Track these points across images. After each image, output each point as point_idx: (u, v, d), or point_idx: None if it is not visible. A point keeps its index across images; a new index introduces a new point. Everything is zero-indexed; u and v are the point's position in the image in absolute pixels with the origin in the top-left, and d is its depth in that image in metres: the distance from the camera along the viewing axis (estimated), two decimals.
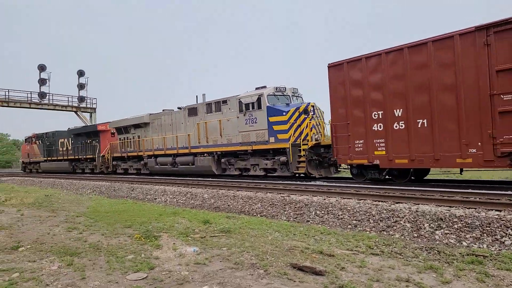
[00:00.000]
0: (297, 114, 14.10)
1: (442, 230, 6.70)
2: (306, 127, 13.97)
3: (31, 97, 35.40)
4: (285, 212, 9.47)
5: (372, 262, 5.10)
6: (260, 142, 14.94)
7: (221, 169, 17.09)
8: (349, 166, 12.46)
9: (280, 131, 14.21)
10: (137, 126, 22.47)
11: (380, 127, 10.87)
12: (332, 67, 12.08)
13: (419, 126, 10.01)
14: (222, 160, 16.82)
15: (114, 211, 10.08)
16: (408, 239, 6.68)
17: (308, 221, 8.61)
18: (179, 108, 19.63)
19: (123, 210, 10.32)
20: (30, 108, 35.99)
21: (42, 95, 35.68)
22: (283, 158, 14.13)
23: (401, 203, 8.36)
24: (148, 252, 5.77)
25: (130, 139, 23.06)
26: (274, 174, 14.98)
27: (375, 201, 8.82)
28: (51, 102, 36.55)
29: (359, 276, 4.52)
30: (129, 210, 10.21)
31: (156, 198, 13.65)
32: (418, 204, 8.12)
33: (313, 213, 8.94)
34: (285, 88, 15.31)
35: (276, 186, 12.32)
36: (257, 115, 15.02)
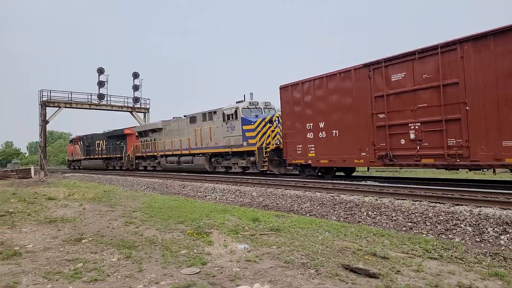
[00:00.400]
0: (263, 123, 17.33)
1: (508, 235, 6.22)
2: (270, 134, 17.21)
3: (91, 99, 37.65)
4: (335, 212, 9.29)
5: (430, 267, 4.85)
6: (237, 146, 18.34)
7: (213, 167, 20.73)
8: (296, 165, 15.74)
9: (250, 137, 17.49)
10: (153, 130, 26.63)
11: (311, 136, 14.46)
12: (281, 88, 15.66)
13: (333, 135, 13.60)
14: (212, 159, 20.54)
15: (167, 207, 10.45)
16: (469, 243, 6.28)
17: (360, 221, 8.39)
18: (184, 116, 23.26)
19: (175, 206, 10.67)
20: (90, 108, 38.28)
21: (100, 96, 37.80)
22: (252, 159, 17.50)
23: (461, 205, 7.89)
24: (200, 248, 5.92)
25: (148, 141, 27.16)
26: (248, 171, 18.51)
27: (432, 202, 8.40)
28: (108, 103, 38.66)
29: (416, 281, 4.33)
30: (181, 207, 10.54)
31: (206, 196, 13.97)
32: (480, 206, 7.62)
33: (365, 213, 8.69)
34: (258, 102, 18.89)
35: (324, 186, 12.14)
36: (235, 124, 18.50)
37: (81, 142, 38.83)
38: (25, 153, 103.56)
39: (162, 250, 5.81)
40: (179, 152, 23.14)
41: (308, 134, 14.50)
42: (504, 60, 9.14)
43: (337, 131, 13.40)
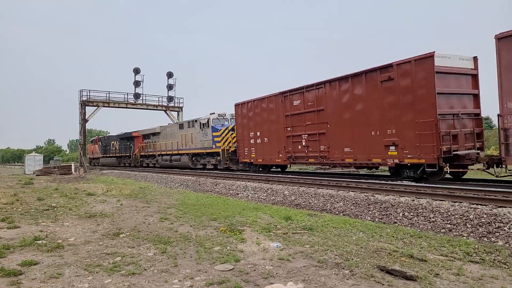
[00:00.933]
0: (226, 131, 22.46)
1: None
2: (231, 140, 22.17)
3: (127, 98, 38.82)
4: (370, 212, 9.10)
5: (471, 270, 4.66)
6: (209, 148, 23.57)
7: (194, 164, 25.98)
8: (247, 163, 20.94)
9: (217, 141, 22.71)
10: (154, 134, 32.14)
11: (253, 141, 19.88)
12: (236, 105, 21.16)
13: (265, 141, 18.98)
14: (193, 158, 26.00)
15: (200, 204, 10.61)
16: None
17: (395, 222, 8.17)
18: (176, 122, 29.92)
19: (208, 203, 10.82)
20: (126, 108, 39.51)
21: (136, 95, 38.91)
22: (219, 158, 22.75)
23: (505, 207, 7.51)
24: (233, 245, 5.97)
25: (150, 143, 32.84)
26: (218, 167, 23.23)
27: (473, 204, 8.05)
28: (144, 102, 39.72)
29: (456, 285, 4.17)
30: (214, 204, 10.67)
31: (238, 193, 14.07)
32: None
33: (401, 214, 8.46)
34: (225, 114, 23.97)
35: (358, 185, 11.91)
36: (207, 131, 23.67)
37: (100, 143, 45.05)
38: (66, 151, 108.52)
39: (196, 246, 5.91)
40: (171, 152, 28.61)
41: (251, 140, 19.98)
42: (344, 96, 14.43)
43: (267, 139, 18.88)
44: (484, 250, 5.56)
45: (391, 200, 9.36)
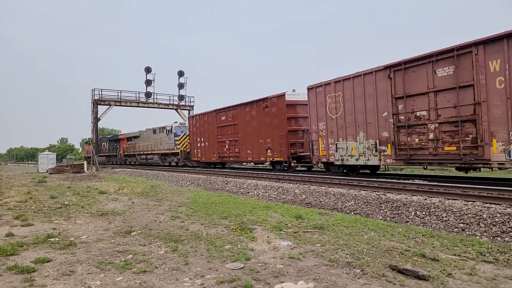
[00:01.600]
0: (184, 136, 30.13)
1: None
2: (187, 143, 29.64)
3: (138, 97, 39.12)
4: (381, 211, 9.03)
5: (485, 270, 4.59)
6: (172, 149, 31.09)
7: (163, 162, 33.22)
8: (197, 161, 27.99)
9: (177, 144, 30.31)
10: (135, 137, 39.24)
11: (199, 145, 26.94)
12: (189, 117, 30.03)
13: (206, 145, 25.91)
14: (162, 157, 33.42)
15: (211, 203, 10.66)
16: None
17: (407, 221, 8.09)
18: (151, 128, 35.53)
19: (219, 202, 10.86)
20: (138, 106, 39.82)
21: (148, 94, 39.19)
22: (178, 157, 30.27)
23: None
24: (244, 244, 5.98)
25: (131, 144, 39.74)
26: (178, 164, 30.49)
27: (487, 203, 7.93)
28: (155, 101, 39.98)
29: (469, 285, 4.11)
30: (225, 203, 10.70)
31: (249, 192, 14.09)
32: None
33: (413, 213, 8.37)
34: (185, 123, 31.59)
35: (370, 184, 11.83)
36: (171, 136, 31.05)
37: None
38: (78, 149, 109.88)
39: (206, 244, 5.94)
40: (147, 152, 35.83)
41: (198, 144, 27.39)
42: (247, 116, 21.32)
43: (207, 143, 25.94)
44: (498, 249, 5.47)
45: (403, 199, 9.27)
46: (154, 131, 34.32)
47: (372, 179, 13.07)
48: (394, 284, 4.16)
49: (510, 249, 5.49)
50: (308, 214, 8.54)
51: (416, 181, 12.02)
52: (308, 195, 11.75)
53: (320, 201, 10.95)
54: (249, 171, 21.36)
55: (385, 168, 14.85)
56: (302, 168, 20.07)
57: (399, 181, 12.34)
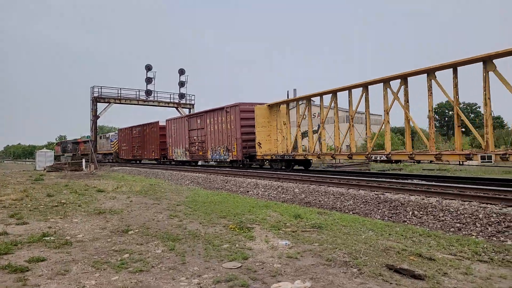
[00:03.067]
0: (116, 141, 42.25)
1: None
2: (117, 146, 42.19)
3: (139, 95, 39.11)
4: (379, 211, 9.06)
5: (480, 270, 4.61)
6: (110, 150, 43.41)
7: (104, 159, 44.72)
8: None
9: (112, 147, 42.73)
10: (89, 141, 43.47)
11: (124, 147, 40.37)
12: (119, 130, 43.72)
13: (126, 148, 39.98)
14: (103, 156, 45.05)
15: (210, 202, 10.67)
16: None
17: (405, 221, 8.12)
18: (98, 135, 44.95)
19: (218, 201, 10.86)
20: (138, 104, 39.81)
21: (148, 92, 39.20)
22: (114, 155, 42.74)
23: None
24: (242, 243, 6.00)
25: (86, 146, 47.29)
26: (114, 161, 42.05)
27: (483, 203, 7.96)
28: (155, 99, 39.99)
29: (464, 284, 4.14)
30: (224, 202, 10.71)
31: (248, 191, 14.10)
32: None
33: (410, 213, 8.40)
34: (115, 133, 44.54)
35: (369, 183, 11.85)
36: (109, 141, 43.44)
37: (61, 145, 65.79)
38: None
39: (204, 243, 5.96)
40: (102, 152, 45.61)
41: (123, 147, 39.61)
42: (129, 136, 38.58)
43: (132, 146, 37.68)
44: (493, 249, 5.50)
45: (401, 198, 9.29)
46: (100, 137, 46.22)
47: (372, 179, 13.09)
48: (391, 283, 4.18)
49: (505, 249, 5.52)
50: (307, 213, 8.56)
51: (415, 181, 12.05)
52: (307, 195, 11.77)
53: (319, 201, 10.97)
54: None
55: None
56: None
57: (398, 180, 12.37)
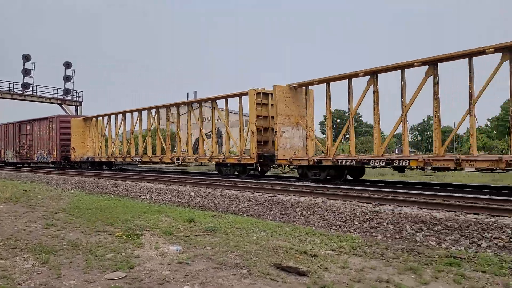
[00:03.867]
0: None
1: (423, 232, 6.74)
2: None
3: (13, 88, 34.46)
4: (272, 212, 9.41)
5: (355, 263, 5.07)
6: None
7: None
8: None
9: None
10: None
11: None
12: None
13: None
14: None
15: (96, 208, 9.85)
16: (390, 240, 6.69)
17: (294, 221, 8.57)
18: None
19: (106, 207, 10.09)
20: (12, 99, 35.00)
21: (25, 85, 34.73)
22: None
23: (385, 205, 8.39)
24: (129, 251, 5.63)
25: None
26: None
27: (361, 202, 8.84)
28: (34, 93, 35.69)
29: (341, 277, 4.49)
30: (112, 207, 9.99)
31: (141, 196, 13.44)
32: (401, 206, 8.18)
33: (299, 213, 8.90)
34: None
35: (264, 186, 12.27)
36: None
37: None
38: None
39: (85, 254, 5.43)
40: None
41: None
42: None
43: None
44: (367, 244, 6.11)
45: (292, 200, 9.80)
46: None
47: (265, 181, 13.58)
48: (277, 281, 4.33)
49: (376, 243, 6.18)
50: (202, 217, 8.45)
51: (305, 183, 12.86)
52: (203, 198, 11.68)
53: (215, 204, 10.96)
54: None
55: None
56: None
57: (290, 183, 13.05)
